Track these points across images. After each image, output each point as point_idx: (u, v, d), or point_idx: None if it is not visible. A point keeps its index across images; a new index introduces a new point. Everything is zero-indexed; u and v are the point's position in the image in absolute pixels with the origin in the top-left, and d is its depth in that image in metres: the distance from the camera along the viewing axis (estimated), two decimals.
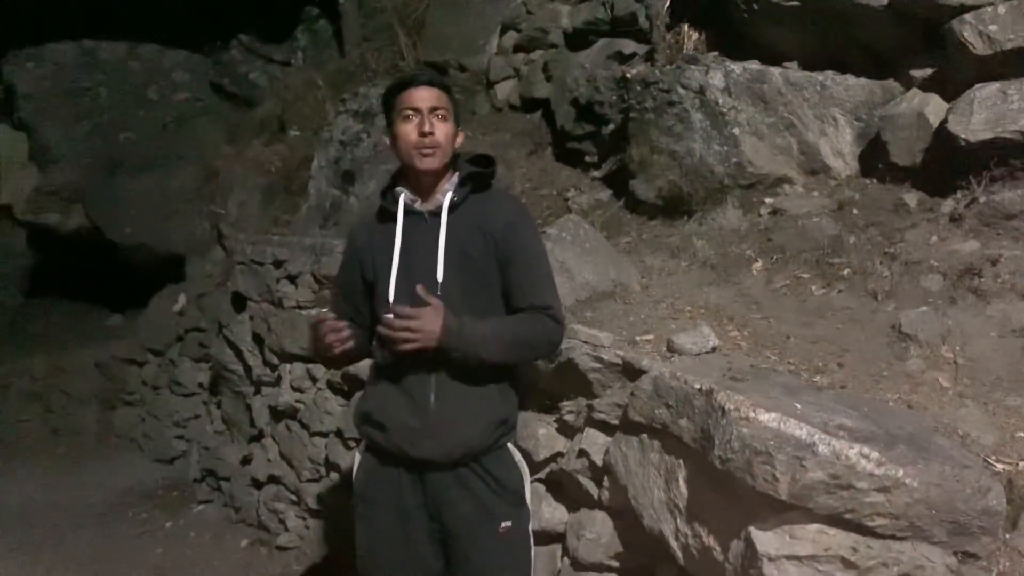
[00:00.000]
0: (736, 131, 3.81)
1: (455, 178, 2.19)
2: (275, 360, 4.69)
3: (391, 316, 2.02)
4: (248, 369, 5.03)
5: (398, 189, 2.20)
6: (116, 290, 7.69)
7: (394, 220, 2.17)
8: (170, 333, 6.43)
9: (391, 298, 2.11)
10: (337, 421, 4.06)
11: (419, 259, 2.13)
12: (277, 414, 4.61)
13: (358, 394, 3.81)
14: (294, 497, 4.42)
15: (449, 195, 2.15)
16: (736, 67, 3.88)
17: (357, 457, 2.30)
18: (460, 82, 5.97)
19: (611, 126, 4.49)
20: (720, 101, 3.83)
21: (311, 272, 4.43)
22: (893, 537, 1.94)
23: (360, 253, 2.26)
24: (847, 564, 1.93)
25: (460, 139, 2.23)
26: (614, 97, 4.46)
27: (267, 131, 7.01)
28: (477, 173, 2.21)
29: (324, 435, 4.19)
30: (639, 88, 4.11)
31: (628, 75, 4.25)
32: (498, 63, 5.88)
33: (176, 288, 6.72)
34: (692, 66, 3.97)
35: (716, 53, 4.14)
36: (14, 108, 7.75)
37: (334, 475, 4.06)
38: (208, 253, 6.67)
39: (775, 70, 3.84)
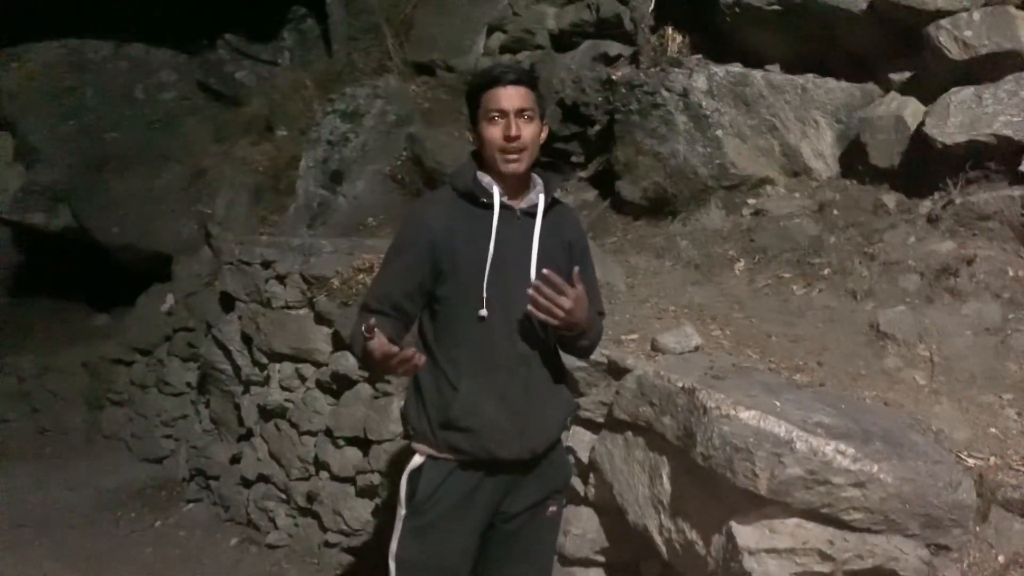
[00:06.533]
0: (719, 133, 3.87)
1: (540, 180, 2.18)
2: (264, 360, 4.71)
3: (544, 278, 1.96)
4: (237, 368, 5.05)
5: (488, 180, 2.12)
6: (102, 289, 7.67)
7: (481, 208, 2.10)
8: (158, 333, 6.44)
9: (484, 292, 2.06)
10: (326, 420, 4.10)
11: (510, 255, 2.09)
12: (266, 413, 4.64)
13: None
14: (283, 495, 4.46)
15: (542, 197, 2.15)
16: (719, 70, 3.94)
17: (416, 462, 2.14)
18: (447, 82, 6.01)
19: (597, 127, 4.54)
20: (703, 103, 3.89)
21: (300, 272, 4.45)
22: (868, 530, 2.00)
23: (436, 239, 2.08)
24: (824, 557, 1.99)
25: (545, 133, 2.16)
26: (600, 99, 4.51)
27: (254, 131, 7.02)
28: (557, 179, 2.24)
29: (313, 434, 4.22)
30: (624, 90, 4.16)
31: (613, 77, 4.31)
32: (485, 64, 5.92)
33: (163, 288, 6.72)
34: (676, 69, 4.03)
35: (700, 56, 4.20)
36: None
37: (323, 473, 4.10)
38: (196, 253, 6.66)
39: (757, 73, 3.91)
